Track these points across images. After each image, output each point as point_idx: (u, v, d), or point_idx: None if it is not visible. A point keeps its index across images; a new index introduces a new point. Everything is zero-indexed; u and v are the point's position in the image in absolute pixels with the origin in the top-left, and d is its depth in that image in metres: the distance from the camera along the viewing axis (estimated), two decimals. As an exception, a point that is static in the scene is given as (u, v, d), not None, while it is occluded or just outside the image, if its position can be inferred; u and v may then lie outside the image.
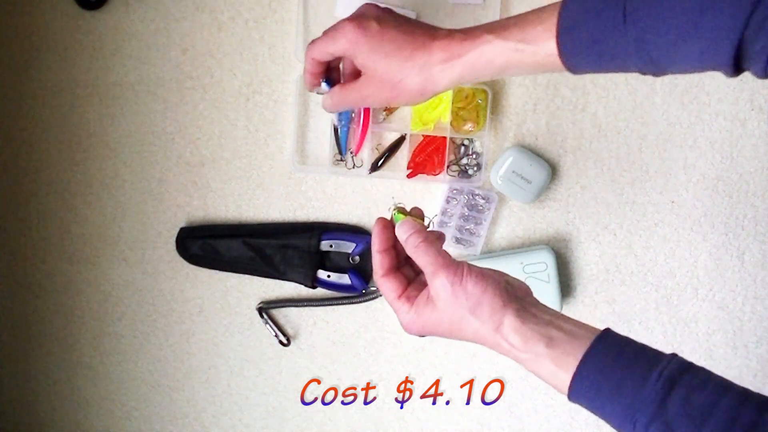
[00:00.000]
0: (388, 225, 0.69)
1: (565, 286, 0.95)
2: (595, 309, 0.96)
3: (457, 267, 0.65)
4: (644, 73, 0.62)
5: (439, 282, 0.64)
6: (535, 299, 0.67)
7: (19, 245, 0.97)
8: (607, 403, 0.60)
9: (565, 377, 0.61)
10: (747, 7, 0.55)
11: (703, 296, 0.95)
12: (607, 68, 0.64)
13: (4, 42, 0.93)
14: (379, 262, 0.68)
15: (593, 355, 0.61)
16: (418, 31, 0.70)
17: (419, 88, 0.70)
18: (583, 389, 0.61)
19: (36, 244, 0.97)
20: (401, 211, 0.68)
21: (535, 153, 0.92)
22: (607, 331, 0.63)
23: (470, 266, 0.65)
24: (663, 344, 0.95)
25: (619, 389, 0.60)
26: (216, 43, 0.93)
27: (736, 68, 0.58)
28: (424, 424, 0.98)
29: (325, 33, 0.73)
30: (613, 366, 0.61)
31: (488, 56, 0.67)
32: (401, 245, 0.67)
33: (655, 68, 0.61)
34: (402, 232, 0.67)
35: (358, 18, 0.71)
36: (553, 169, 0.92)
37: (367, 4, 0.72)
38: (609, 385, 0.60)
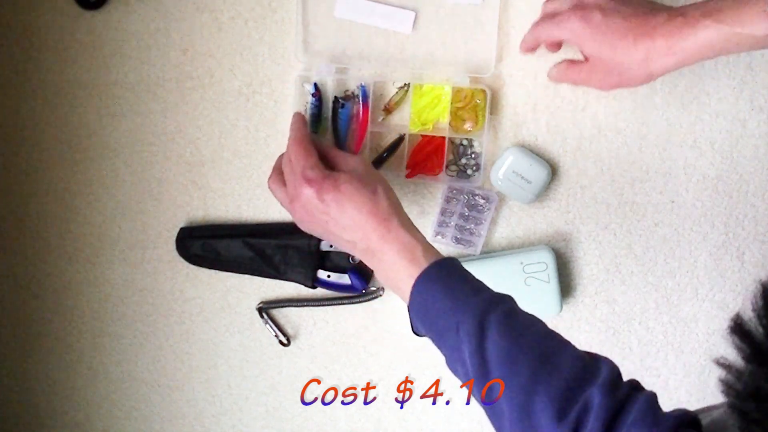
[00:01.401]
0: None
1: (565, 286, 0.95)
2: (595, 309, 0.96)
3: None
4: None
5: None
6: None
7: (19, 245, 0.97)
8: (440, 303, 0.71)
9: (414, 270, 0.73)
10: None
11: (703, 296, 0.95)
12: None
13: (4, 42, 0.93)
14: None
15: (438, 264, 0.73)
16: (640, 16, 0.74)
17: (645, 74, 0.75)
18: (426, 284, 0.72)
19: (36, 244, 0.97)
20: None
21: (535, 153, 0.92)
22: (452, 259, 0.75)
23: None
24: (663, 344, 0.95)
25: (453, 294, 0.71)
26: (216, 43, 0.93)
27: None
28: (424, 424, 0.98)
29: (549, 17, 0.80)
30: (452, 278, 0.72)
31: (707, 42, 0.70)
32: None
33: None
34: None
35: (582, 9, 0.76)
36: (553, 169, 0.92)
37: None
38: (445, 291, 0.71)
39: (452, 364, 0.71)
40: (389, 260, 0.76)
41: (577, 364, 0.64)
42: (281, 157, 0.85)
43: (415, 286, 0.73)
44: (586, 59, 0.79)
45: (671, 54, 0.72)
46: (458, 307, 0.69)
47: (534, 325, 0.69)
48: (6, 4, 0.93)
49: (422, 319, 0.73)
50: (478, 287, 0.72)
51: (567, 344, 0.67)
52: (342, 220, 0.77)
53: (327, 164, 0.82)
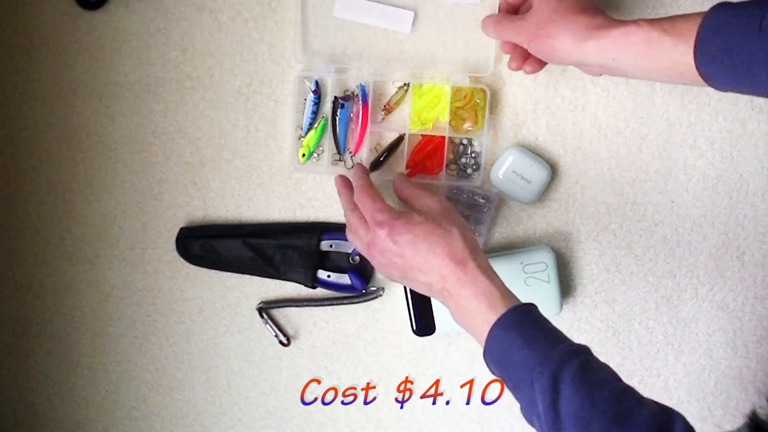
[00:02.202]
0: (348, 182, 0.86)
1: (565, 286, 0.95)
2: (595, 309, 0.96)
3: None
4: None
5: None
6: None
7: (19, 245, 0.97)
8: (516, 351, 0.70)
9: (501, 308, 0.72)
10: None
11: (703, 296, 0.95)
12: (741, 83, 0.68)
13: (4, 42, 0.93)
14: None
15: (515, 311, 0.72)
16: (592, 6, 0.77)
17: (569, 47, 0.76)
18: (504, 330, 0.71)
19: (36, 244, 0.97)
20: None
21: (535, 153, 0.92)
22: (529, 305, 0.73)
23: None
24: (663, 344, 0.95)
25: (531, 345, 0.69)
26: (216, 43, 0.93)
27: None
28: (424, 424, 0.98)
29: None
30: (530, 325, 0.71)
31: (633, 38, 0.72)
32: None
33: None
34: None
35: None
36: (553, 169, 0.92)
37: None
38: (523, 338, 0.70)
39: (528, 416, 0.70)
40: (465, 304, 0.74)
41: (652, 425, 0.63)
42: (350, 211, 0.84)
43: (491, 332, 0.72)
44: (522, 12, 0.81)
45: (599, 35, 0.74)
46: (533, 359, 0.68)
47: (608, 381, 0.67)
48: (6, 4, 0.93)
49: (497, 366, 0.72)
50: (555, 337, 0.71)
51: (641, 401, 0.66)
52: (416, 262, 0.76)
53: (405, 204, 0.83)
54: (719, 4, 0.69)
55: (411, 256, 0.76)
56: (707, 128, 0.92)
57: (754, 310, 0.94)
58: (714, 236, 0.94)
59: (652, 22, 0.72)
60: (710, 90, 0.91)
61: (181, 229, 0.95)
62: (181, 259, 0.95)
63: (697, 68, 0.70)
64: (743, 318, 0.94)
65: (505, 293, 0.74)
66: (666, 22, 0.71)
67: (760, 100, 0.91)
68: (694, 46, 0.69)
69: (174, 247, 0.95)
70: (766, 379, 0.95)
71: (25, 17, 0.93)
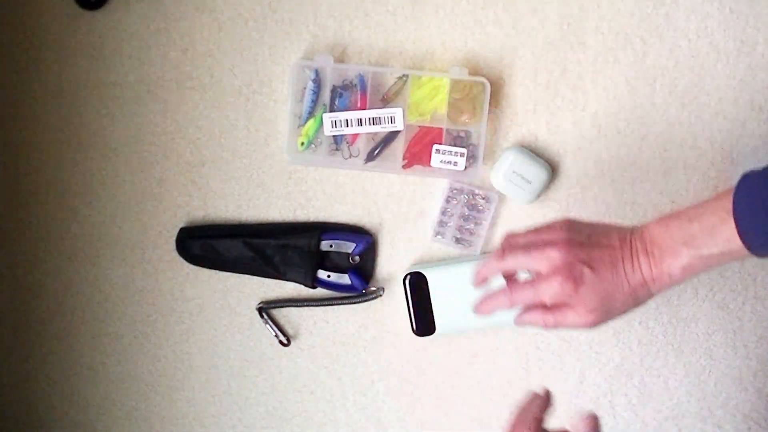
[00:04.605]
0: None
1: (565, 286, 0.95)
2: (595, 309, 0.96)
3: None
4: None
5: None
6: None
7: (19, 245, 0.97)
8: None
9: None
10: None
11: (703, 296, 0.95)
12: None
13: (4, 42, 0.93)
14: None
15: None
16: (618, 251, 0.72)
17: (633, 305, 0.73)
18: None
19: (36, 244, 0.97)
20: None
21: (535, 153, 0.92)
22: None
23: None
24: (663, 344, 0.95)
25: None
26: (216, 43, 0.93)
27: None
28: (424, 424, 0.98)
29: (530, 281, 0.72)
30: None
31: (689, 267, 0.70)
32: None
33: None
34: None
35: (570, 270, 0.70)
36: (553, 169, 0.92)
37: (568, 242, 0.71)
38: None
39: None
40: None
41: None
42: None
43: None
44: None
45: (661, 284, 0.71)
46: None
47: None
48: (6, 4, 0.93)
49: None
50: None
51: None
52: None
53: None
54: (744, 177, 0.68)
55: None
56: (707, 128, 0.92)
57: (754, 310, 0.94)
58: (714, 236, 0.94)
59: (691, 243, 0.69)
60: (710, 90, 0.92)
61: (181, 229, 0.95)
62: (181, 259, 0.95)
63: (751, 251, 0.68)
64: (743, 318, 0.94)
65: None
66: (705, 238, 0.69)
67: (760, 100, 0.91)
68: (740, 236, 0.67)
69: (174, 247, 0.95)
70: (766, 379, 0.95)
71: (25, 17, 0.93)
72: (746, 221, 0.66)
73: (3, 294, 0.98)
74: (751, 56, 0.90)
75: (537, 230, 0.74)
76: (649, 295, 0.72)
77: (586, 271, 0.70)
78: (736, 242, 0.67)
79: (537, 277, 0.72)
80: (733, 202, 0.67)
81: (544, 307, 0.73)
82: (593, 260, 0.71)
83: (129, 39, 0.93)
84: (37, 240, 0.97)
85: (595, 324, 0.72)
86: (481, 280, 0.76)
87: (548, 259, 0.71)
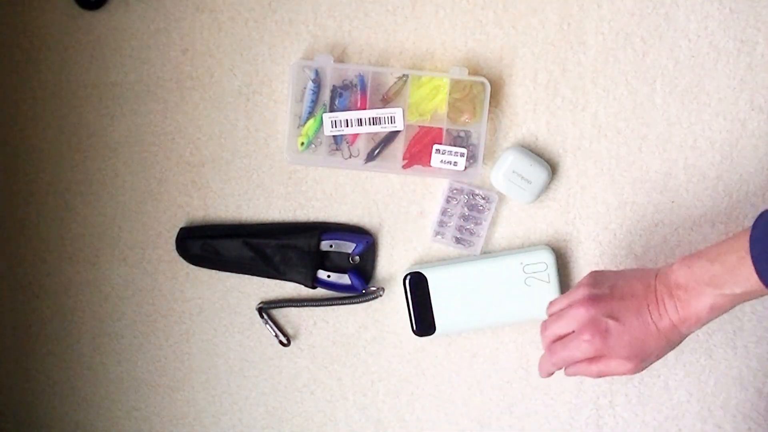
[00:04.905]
0: None
1: (565, 286, 0.95)
2: (595, 309, 0.96)
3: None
4: None
5: None
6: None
7: (19, 245, 0.97)
8: None
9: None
10: None
11: (703, 296, 0.95)
12: None
13: (4, 42, 0.93)
14: None
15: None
16: (643, 300, 0.74)
17: (666, 348, 0.75)
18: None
19: (36, 244, 0.97)
20: None
21: (535, 153, 0.92)
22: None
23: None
24: (663, 344, 0.95)
25: None
26: (216, 43, 0.93)
27: None
28: (424, 424, 0.98)
29: (560, 345, 0.77)
30: None
31: (714, 306, 0.72)
32: None
33: None
34: None
35: (595, 325, 0.74)
36: (553, 169, 0.92)
37: (589, 298, 0.75)
38: None
39: None
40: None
41: None
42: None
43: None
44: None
45: (690, 324, 0.73)
46: None
47: None
48: (6, 4, 0.93)
49: None
50: None
51: None
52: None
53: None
54: (761, 216, 0.69)
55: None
56: (707, 128, 0.92)
57: (754, 310, 0.94)
58: (714, 236, 0.94)
59: (714, 284, 0.71)
60: (710, 90, 0.92)
61: (181, 229, 0.95)
62: (181, 259, 0.95)
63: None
64: (743, 318, 0.94)
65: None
66: (726, 278, 0.70)
67: (760, 100, 0.91)
68: (758, 275, 0.68)
69: (174, 247, 0.95)
70: (766, 379, 0.95)
71: (25, 17, 0.93)
72: (763, 261, 0.67)
73: (3, 294, 0.98)
74: (751, 56, 0.90)
75: (566, 294, 0.79)
76: (681, 336, 0.75)
77: (611, 323, 0.74)
78: (756, 282, 0.68)
79: (569, 337, 0.77)
80: (750, 242, 0.68)
81: (589, 359, 0.76)
82: (617, 311, 0.74)
83: (129, 39, 0.93)
84: (37, 240, 0.97)
85: (636, 370, 0.75)
86: (546, 375, 0.81)
87: (574, 318, 0.76)
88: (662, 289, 0.74)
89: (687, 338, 0.73)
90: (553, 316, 0.79)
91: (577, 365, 0.78)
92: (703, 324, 0.73)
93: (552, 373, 0.80)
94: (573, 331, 0.76)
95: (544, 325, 0.80)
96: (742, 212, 0.93)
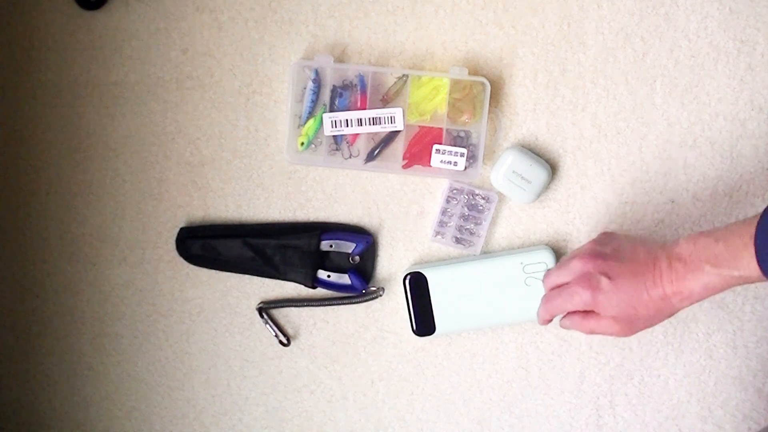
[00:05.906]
0: None
1: (565, 286, 0.95)
2: (595, 309, 0.96)
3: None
4: None
5: None
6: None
7: (19, 245, 0.97)
8: None
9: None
10: None
11: (703, 296, 0.95)
12: None
13: (4, 42, 0.93)
14: None
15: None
16: (643, 266, 0.75)
17: (661, 317, 0.76)
18: None
19: (36, 244, 0.97)
20: None
21: (535, 153, 0.92)
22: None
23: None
24: (663, 344, 0.95)
25: None
26: (216, 43, 0.93)
27: None
28: (424, 424, 0.98)
29: (556, 292, 0.80)
30: None
31: (710, 285, 0.73)
32: None
33: None
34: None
35: (587, 278, 0.76)
36: (553, 169, 0.92)
37: (590, 254, 0.78)
38: None
39: None
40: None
41: None
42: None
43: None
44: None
45: (682, 298, 0.74)
46: None
47: None
48: (6, 4, 0.93)
49: None
50: None
51: None
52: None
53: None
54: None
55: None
56: (707, 128, 0.92)
57: (754, 310, 0.94)
58: (714, 236, 0.94)
59: (713, 262, 0.72)
60: (710, 90, 0.92)
61: (181, 229, 0.95)
62: (181, 259, 0.95)
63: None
64: (743, 318, 0.94)
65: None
66: (727, 259, 0.71)
67: (760, 100, 0.91)
68: (758, 263, 0.69)
69: (174, 247, 0.95)
70: (766, 379, 0.95)
71: (25, 17, 0.93)
72: (766, 250, 0.68)
73: (3, 294, 0.98)
74: (751, 56, 0.90)
75: (576, 249, 0.82)
76: (672, 308, 0.75)
77: (604, 281, 0.75)
78: (755, 268, 0.68)
79: (564, 287, 0.79)
80: (757, 229, 0.69)
81: (583, 313, 0.78)
82: (613, 271, 0.76)
83: (129, 39, 0.93)
84: (37, 240, 0.97)
85: (623, 333, 0.77)
86: (542, 322, 0.83)
87: (572, 270, 0.78)
88: (663, 259, 0.75)
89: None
90: (557, 266, 0.81)
91: (571, 318, 0.80)
92: (695, 301, 0.74)
93: (548, 321, 0.82)
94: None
95: (548, 273, 0.82)
96: (742, 212, 0.93)
